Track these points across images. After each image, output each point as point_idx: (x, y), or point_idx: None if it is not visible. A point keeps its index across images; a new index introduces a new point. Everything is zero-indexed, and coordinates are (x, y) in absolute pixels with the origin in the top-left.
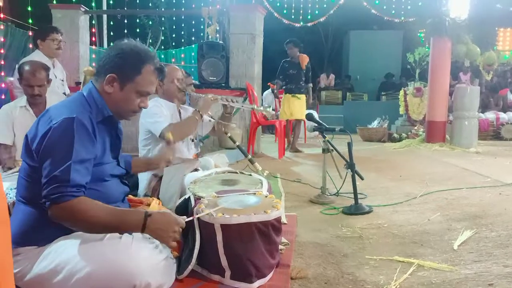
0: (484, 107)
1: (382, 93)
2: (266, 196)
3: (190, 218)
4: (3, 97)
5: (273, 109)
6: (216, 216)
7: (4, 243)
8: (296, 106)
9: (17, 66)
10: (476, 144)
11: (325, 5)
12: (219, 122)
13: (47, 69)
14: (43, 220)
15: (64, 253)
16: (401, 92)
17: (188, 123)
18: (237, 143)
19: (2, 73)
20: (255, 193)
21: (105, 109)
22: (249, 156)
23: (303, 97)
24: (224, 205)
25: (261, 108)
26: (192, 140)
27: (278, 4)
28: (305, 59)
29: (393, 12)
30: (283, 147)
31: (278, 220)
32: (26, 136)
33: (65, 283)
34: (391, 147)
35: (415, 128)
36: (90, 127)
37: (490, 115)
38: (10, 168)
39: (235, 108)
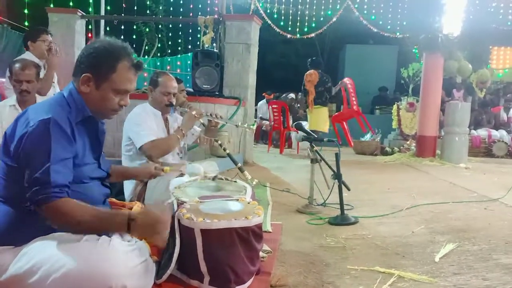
0: (476, 124)
1: (376, 107)
2: (248, 203)
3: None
4: None
5: (266, 120)
6: (196, 221)
7: None
8: None
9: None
10: (466, 160)
11: (321, 18)
12: (204, 135)
13: (37, 67)
14: (20, 220)
15: (41, 253)
16: (394, 107)
17: (169, 141)
18: (228, 151)
19: None
20: (238, 199)
21: (85, 110)
22: (239, 165)
23: None
24: (206, 210)
25: (245, 125)
26: (178, 154)
27: (275, 16)
28: None
29: (389, 27)
30: None
31: (259, 226)
32: (5, 134)
33: (41, 284)
34: (382, 160)
35: (408, 142)
36: (68, 127)
37: (482, 132)
38: None
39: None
